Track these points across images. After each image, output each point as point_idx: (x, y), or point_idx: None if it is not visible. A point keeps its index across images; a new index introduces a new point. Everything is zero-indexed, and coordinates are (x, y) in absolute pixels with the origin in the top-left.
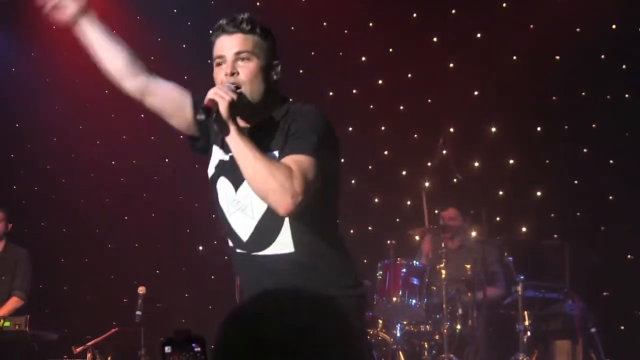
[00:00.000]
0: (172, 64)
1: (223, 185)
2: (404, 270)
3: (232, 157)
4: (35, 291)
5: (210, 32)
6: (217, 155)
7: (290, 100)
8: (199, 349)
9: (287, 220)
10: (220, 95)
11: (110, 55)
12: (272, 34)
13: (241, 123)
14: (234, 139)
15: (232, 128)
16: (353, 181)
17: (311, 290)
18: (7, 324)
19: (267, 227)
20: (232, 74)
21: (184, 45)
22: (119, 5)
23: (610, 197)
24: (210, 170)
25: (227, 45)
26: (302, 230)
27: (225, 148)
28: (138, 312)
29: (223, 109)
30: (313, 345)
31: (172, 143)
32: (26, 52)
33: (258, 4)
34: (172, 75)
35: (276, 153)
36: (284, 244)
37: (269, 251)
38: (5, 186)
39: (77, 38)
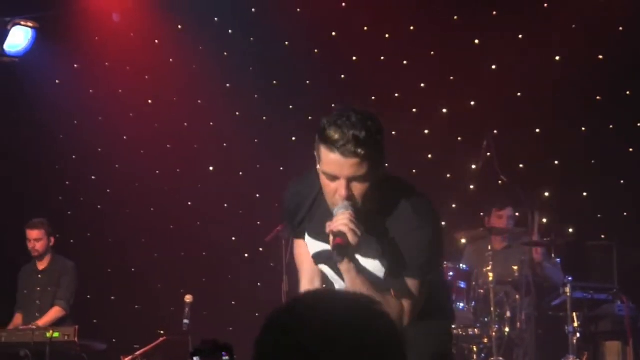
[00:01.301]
0: (214, 73)
1: (327, 270)
2: (451, 273)
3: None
4: (83, 302)
5: (318, 136)
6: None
7: (393, 178)
8: (227, 357)
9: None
10: (352, 230)
11: None
12: (382, 133)
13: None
14: (350, 272)
15: (351, 264)
16: None
17: None
18: (56, 334)
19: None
20: (348, 197)
21: (225, 54)
22: (161, 15)
23: None
24: (311, 250)
25: (342, 168)
26: None
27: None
28: (185, 321)
29: (354, 243)
30: None
31: (216, 151)
32: (70, 64)
33: (298, 10)
34: (214, 83)
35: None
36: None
37: None
38: (51, 197)
39: (119, 48)
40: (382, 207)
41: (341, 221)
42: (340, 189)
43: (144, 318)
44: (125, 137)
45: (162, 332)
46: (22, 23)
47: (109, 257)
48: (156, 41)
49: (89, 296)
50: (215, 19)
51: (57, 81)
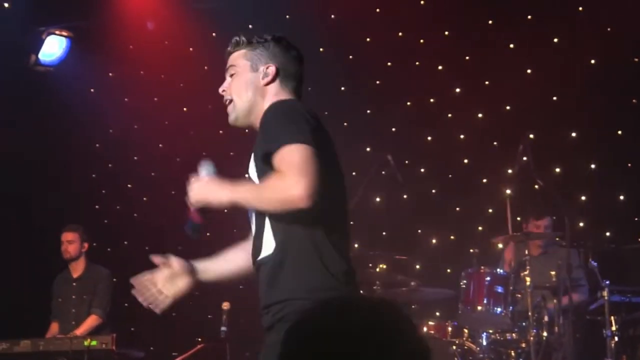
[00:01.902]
0: None
1: None
2: (488, 278)
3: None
4: (120, 310)
5: None
6: None
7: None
8: None
9: (267, 222)
10: (201, 200)
11: (237, 271)
12: (275, 40)
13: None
14: (234, 204)
15: (225, 202)
16: (434, 190)
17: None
18: (94, 343)
19: (258, 229)
20: (223, 91)
21: None
22: (195, 23)
23: None
24: None
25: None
26: (279, 230)
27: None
28: (223, 328)
29: (213, 204)
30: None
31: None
32: (104, 73)
33: (333, 16)
34: None
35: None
36: (266, 247)
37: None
38: (87, 206)
39: (154, 56)
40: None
41: (195, 197)
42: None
43: (182, 326)
44: (160, 145)
45: (200, 339)
46: (57, 32)
47: (145, 266)
48: (190, 49)
49: (126, 304)
50: (250, 26)
51: (91, 90)
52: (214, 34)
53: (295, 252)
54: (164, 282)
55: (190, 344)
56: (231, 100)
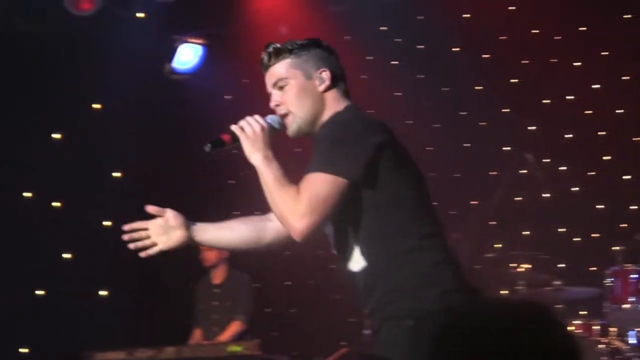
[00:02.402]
0: (383, 82)
1: None
2: (635, 275)
3: None
4: (263, 315)
5: None
6: None
7: (343, 108)
8: None
9: (353, 235)
10: (242, 127)
11: (239, 242)
12: (315, 44)
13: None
14: (257, 170)
15: (253, 160)
16: (575, 188)
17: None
18: (238, 348)
19: (342, 242)
20: (277, 106)
21: (396, 62)
22: (328, 27)
23: None
24: None
25: (267, 82)
26: (368, 245)
27: None
28: (366, 331)
29: (244, 143)
30: None
31: None
32: (238, 79)
33: (465, 15)
34: (382, 92)
35: None
36: (356, 260)
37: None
38: (224, 213)
39: None
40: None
41: (241, 122)
42: (271, 102)
43: (324, 330)
44: (297, 149)
45: (343, 343)
46: (191, 41)
47: (287, 270)
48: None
49: (270, 309)
50: (382, 28)
51: (226, 97)
52: (346, 37)
53: (391, 260)
54: (156, 232)
55: (334, 348)
56: (288, 113)
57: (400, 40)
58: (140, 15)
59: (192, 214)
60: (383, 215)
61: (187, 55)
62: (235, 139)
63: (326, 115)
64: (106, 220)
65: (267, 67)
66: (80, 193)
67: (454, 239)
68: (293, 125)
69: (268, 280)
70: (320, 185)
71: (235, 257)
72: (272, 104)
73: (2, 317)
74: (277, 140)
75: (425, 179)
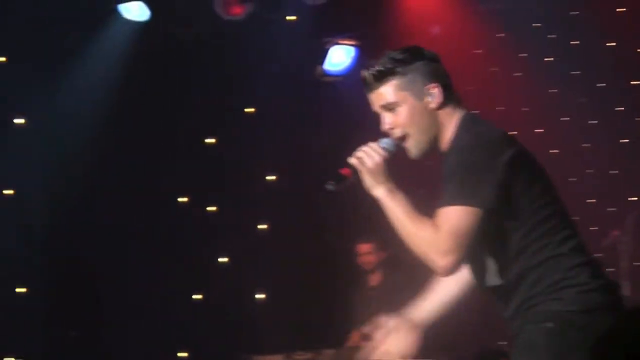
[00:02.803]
0: (537, 79)
1: None
2: None
3: None
4: None
5: None
6: None
7: (460, 120)
8: None
9: (489, 253)
10: (361, 159)
11: (452, 299)
12: (419, 56)
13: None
14: (381, 203)
15: (376, 194)
16: None
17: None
18: None
19: (475, 259)
20: (391, 129)
21: (551, 59)
22: (480, 25)
23: None
24: None
25: (373, 102)
26: (504, 264)
27: None
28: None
29: (365, 177)
30: None
31: (545, 158)
32: None
33: (620, 9)
34: (538, 90)
35: None
36: (492, 277)
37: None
38: (375, 216)
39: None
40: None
41: (356, 153)
42: (382, 126)
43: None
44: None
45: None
46: (342, 42)
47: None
48: (478, 51)
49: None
50: (535, 24)
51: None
52: (499, 35)
53: (528, 275)
54: (387, 343)
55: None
56: (405, 136)
57: (554, 36)
58: (290, 18)
59: (348, 216)
60: (519, 232)
61: (339, 57)
62: (356, 172)
63: (446, 130)
64: (261, 223)
65: (370, 88)
66: (235, 197)
67: (614, 236)
68: (414, 148)
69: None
70: (458, 218)
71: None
72: (384, 127)
73: (161, 322)
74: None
75: (553, 183)
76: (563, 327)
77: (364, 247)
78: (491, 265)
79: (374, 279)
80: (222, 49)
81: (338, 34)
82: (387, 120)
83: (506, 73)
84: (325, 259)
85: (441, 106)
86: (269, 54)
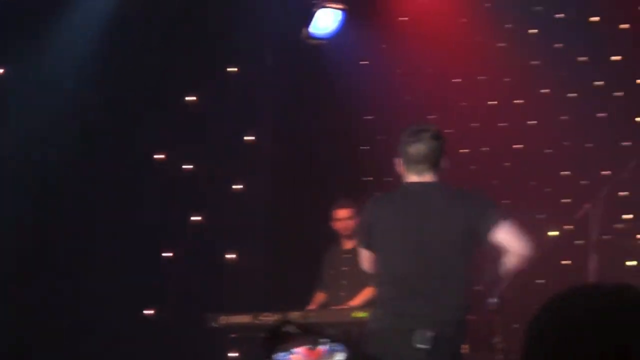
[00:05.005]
0: (521, 50)
1: None
2: None
3: None
4: None
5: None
6: None
7: None
8: None
9: None
10: None
11: None
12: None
13: None
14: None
15: None
16: None
17: None
18: (364, 315)
19: None
20: None
21: (535, 31)
22: None
23: None
24: None
25: None
26: None
27: None
28: (493, 299)
29: None
30: None
31: (523, 129)
32: (378, 45)
33: None
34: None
35: None
36: None
37: None
38: (353, 180)
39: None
40: None
41: None
42: None
43: None
44: (432, 116)
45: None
46: (330, 5)
47: None
48: (463, 20)
49: None
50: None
51: (363, 62)
52: (487, 4)
53: None
54: None
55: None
56: None
57: (539, 8)
58: None
59: (325, 180)
60: None
61: (326, 20)
62: None
63: None
64: (236, 184)
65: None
66: (212, 156)
67: (585, 209)
68: None
69: None
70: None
71: None
72: None
73: (129, 279)
74: None
75: None
76: None
77: (342, 212)
78: None
79: (349, 244)
80: (207, 5)
81: None
82: None
83: (490, 43)
84: (301, 222)
85: None
86: (255, 14)
